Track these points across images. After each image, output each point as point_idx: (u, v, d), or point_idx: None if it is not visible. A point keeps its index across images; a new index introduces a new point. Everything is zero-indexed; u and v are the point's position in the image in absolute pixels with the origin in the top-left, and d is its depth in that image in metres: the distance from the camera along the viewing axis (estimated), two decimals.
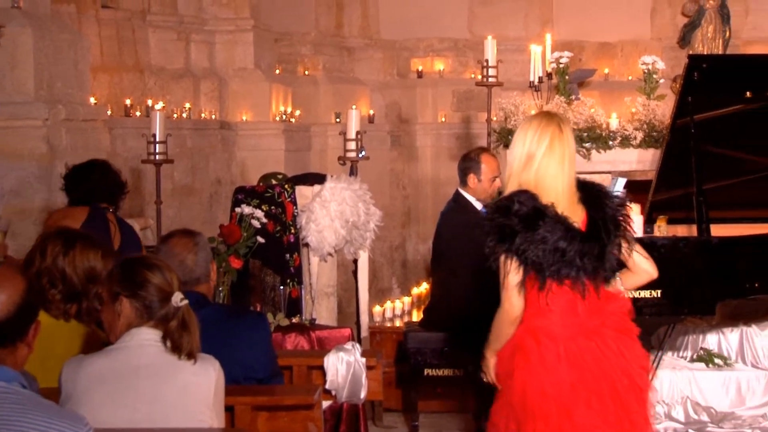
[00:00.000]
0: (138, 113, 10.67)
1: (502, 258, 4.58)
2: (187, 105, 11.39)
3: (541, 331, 4.63)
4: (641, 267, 4.90)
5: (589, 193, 4.73)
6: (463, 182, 7.74)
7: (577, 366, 4.60)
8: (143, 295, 3.98)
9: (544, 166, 4.64)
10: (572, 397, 4.57)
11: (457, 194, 7.82)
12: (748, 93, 7.26)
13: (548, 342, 4.62)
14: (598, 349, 4.64)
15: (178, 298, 3.98)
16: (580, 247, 4.57)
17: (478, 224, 4.74)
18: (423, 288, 10.26)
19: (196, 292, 4.63)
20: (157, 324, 3.98)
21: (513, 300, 4.61)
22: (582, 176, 4.84)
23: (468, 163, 7.72)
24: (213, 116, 11.72)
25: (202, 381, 3.99)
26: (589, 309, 4.66)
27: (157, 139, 8.16)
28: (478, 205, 7.66)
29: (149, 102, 10.86)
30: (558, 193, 4.62)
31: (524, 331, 4.65)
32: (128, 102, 10.68)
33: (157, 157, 8.20)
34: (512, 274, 4.58)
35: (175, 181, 10.96)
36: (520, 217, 4.53)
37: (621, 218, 4.70)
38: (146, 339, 3.97)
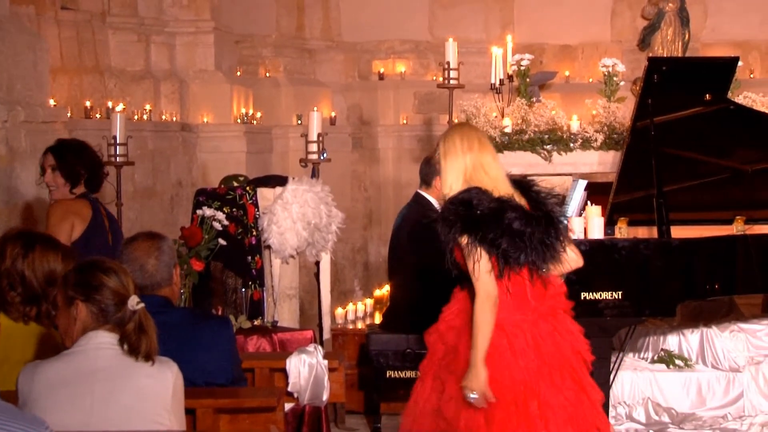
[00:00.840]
0: (98, 115, 10.60)
1: (469, 247, 4.84)
2: (148, 107, 11.34)
3: (506, 321, 4.91)
4: (571, 256, 5.22)
5: (524, 188, 5.14)
6: (427, 184, 7.75)
7: (541, 349, 4.95)
8: (99, 299, 3.96)
9: (487, 166, 5.10)
10: (538, 378, 4.90)
11: (418, 195, 7.82)
12: (707, 95, 7.30)
13: (515, 330, 4.93)
14: (555, 331, 5.03)
15: (134, 302, 3.96)
16: (540, 235, 4.93)
17: (440, 217, 4.99)
18: (385, 290, 10.26)
19: (158, 296, 4.60)
20: (113, 327, 3.96)
21: (490, 285, 4.86)
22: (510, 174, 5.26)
23: (434, 167, 7.72)
24: (174, 118, 11.66)
25: (160, 383, 3.98)
26: (536, 294, 5.01)
27: (118, 141, 8.12)
28: (439, 207, 7.66)
29: (109, 104, 10.80)
30: (500, 189, 5.01)
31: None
32: (88, 104, 10.61)
33: (118, 159, 8.16)
34: (483, 261, 4.84)
35: (136, 183, 10.90)
36: (484, 208, 4.86)
37: (560, 212, 5.12)
38: (102, 342, 3.95)
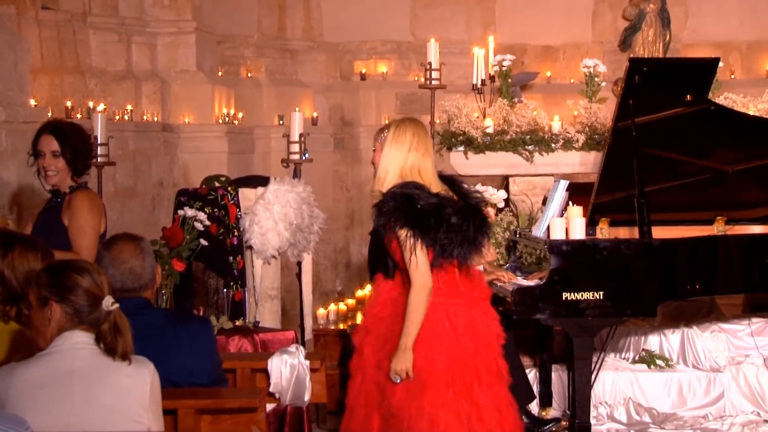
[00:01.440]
0: (79, 115, 10.57)
1: (408, 240, 5.21)
2: (129, 107, 11.31)
3: (447, 304, 5.32)
4: (489, 250, 5.91)
5: (452, 184, 5.51)
6: None
7: (476, 333, 5.33)
8: (73, 299, 3.96)
9: (423, 171, 5.41)
10: (476, 360, 5.30)
11: None
12: (688, 96, 7.31)
13: (455, 312, 5.33)
14: (486, 316, 5.42)
15: (108, 302, 3.95)
16: (473, 229, 5.31)
17: (378, 209, 5.36)
18: (367, 290, 10.25)
19: (141, 298, 4.60)
20: (88, 327, 3.95)
21: (426, 276, 5.22)
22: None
23: None
24: (155, 118, 11.64)
25: (138, 382, 3.98)
26: (465, 283, 5.38)
27: (99, 141, 8.09)
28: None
29: (90, 104, 10.77)
30: (433, 184, 5.38)
31: (431, 309, 5.25)
32: (69, 104, 10.58)
33: (99, 159, 8.13)
34: (421, 253, 5.20)
35: (117, 184, 10.87)
36: (425, 203, 5.23)
37: (483, 208, 5.53)
38: (78, 342, 3.94)
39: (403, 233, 5.23)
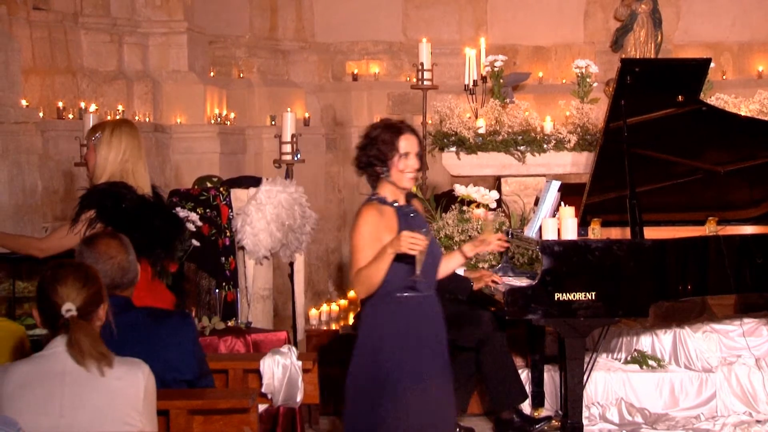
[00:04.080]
0: (71, 116, 10.56)
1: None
2: (121, 107, 11.30)
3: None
4: None
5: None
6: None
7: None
8: (41, 306, 4.00)
9: (140, 166, 5.68)
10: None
11: None
12: (680, 97, 7.32)
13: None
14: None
15: (64, 309, 3.95)
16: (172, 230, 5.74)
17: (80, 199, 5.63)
18: None
19: (121, 296, 4.58)
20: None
21: None
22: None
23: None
24: (147, 119, 11.63)
25: (129, 385, 3.98)
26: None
27: None
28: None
29: (82, 104, 10.76)
30: (145, 186, 5.66)
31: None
32: (61, 104, 10.57)
33: None
34: None
35: None
36: (132, 203, 5.51)
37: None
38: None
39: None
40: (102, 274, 4.30)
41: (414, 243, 5.00)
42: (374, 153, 5.35)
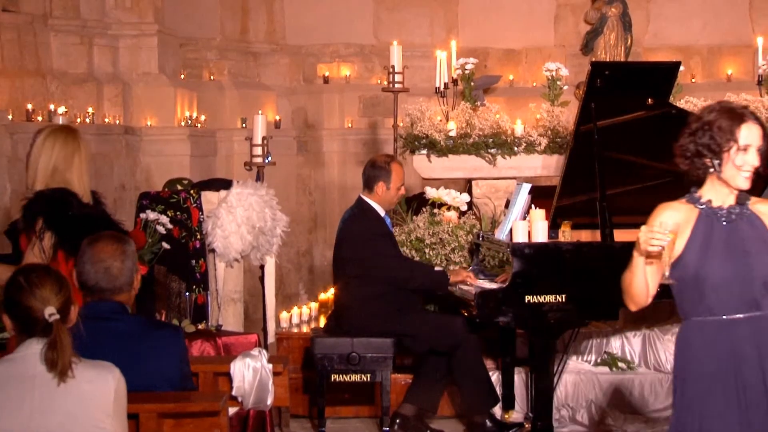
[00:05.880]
0: (40, 118, 10.52)
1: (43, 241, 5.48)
2: (91, 110, 11.26)
3: None
4: None
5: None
6: (370, 189, 7.76)
7: None
8: (15, 312, 3.98)
9: (72, 173, 5.66)
10: None
11: (360, 201, 7.83)
12: (649, 100, 7.35)
13: None
14: None
15: (47, 313, 3.93)
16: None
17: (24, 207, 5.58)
18: (330, 293, 10.23)
19: (114, 301, 4.57)
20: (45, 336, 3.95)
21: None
22: None
23: (377, 171, 7.75)
24: (117, 121, 11.59)
25: (100, 388, 3.97)
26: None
27: None
28: (381, 212, 7.72)
29: (51, 107, 10.71)
30: (82, 194, 5.64)
31: None
32: (30, 107, 10.52)
33: None
34: (38, 250, 5.48)
35: None
36: (78, 210, 5.54)
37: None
38: (39, 349, 3.93)
39: (47, 236, 5.47)
40: (86, 275, 4.31)
41: (652, 237, 4.40)
42: (706, 141, 4.48)
